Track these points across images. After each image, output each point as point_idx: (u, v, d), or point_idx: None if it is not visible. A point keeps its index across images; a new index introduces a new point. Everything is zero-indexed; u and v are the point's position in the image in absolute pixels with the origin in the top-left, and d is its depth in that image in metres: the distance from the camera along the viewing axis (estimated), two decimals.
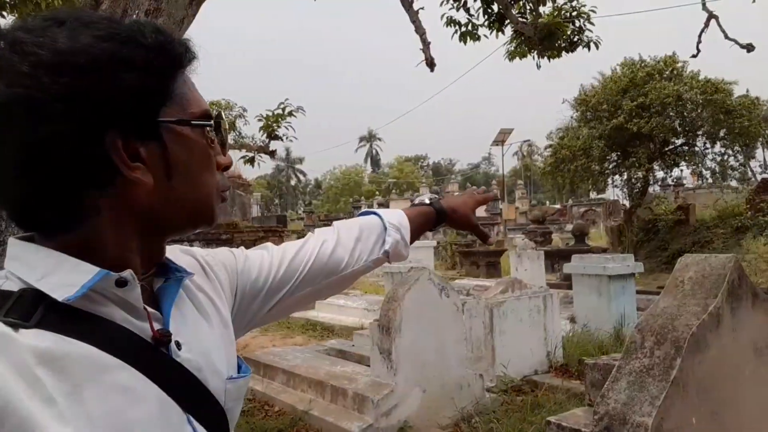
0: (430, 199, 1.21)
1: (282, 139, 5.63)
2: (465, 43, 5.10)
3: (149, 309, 0.67)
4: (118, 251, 0.66)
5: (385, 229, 1.07)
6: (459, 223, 1.19)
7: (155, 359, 0.65)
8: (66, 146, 0.59)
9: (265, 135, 5.71)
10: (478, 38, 5.09)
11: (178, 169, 0.67)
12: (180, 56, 0.68)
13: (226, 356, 0.77)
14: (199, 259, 0.85)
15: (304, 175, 76.28)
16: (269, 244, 1.00)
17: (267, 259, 0.94)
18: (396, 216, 1.10)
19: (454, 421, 4.41)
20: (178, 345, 0.68)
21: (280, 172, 71.58)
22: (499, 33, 5.16)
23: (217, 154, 0.73)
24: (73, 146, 0.59)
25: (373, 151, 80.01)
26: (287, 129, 5.62)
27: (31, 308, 0.59)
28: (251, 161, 5.85)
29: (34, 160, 0.59)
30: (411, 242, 1.12)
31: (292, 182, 73.52)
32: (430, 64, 5.01)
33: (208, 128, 0.70)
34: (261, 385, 5.45)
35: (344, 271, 1.01)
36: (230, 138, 8.82)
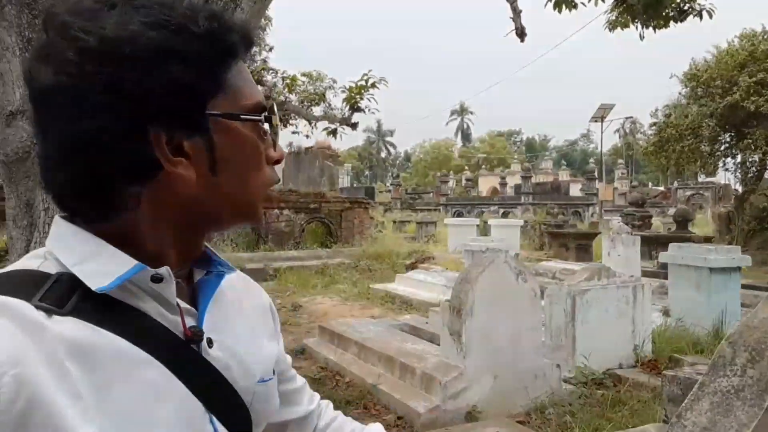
0: None
1: (364, 111, 5.57)
2: (560, 11, 4.74)
3: (183, 305, 0.66)
4: (155, 244, 0.65)
5: None
6: None
7: (184, 356, 0.64)
8: (108, 139, 0.58)
9: (348, 107, 5.67)
10: (575, 6, 4.71)
11: (224, 164, 0.64)
12: (234, 46, 0.64)
13: (264, 359, 0.77)
14: (252, 283, 0.87)
15: (394, 147, 76.61)
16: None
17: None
18: None
19: (526, 410, 4.24)
20: (210, 342, 0.67)
21: (371, 144, 72.31)
22: (599, 0, 4.74)
23: (267, 147, 0.69)
24: (115, 139, 0.58)
25: (464, 125, 78.68)
26: (370, 101, 5.54)
27: (66, 294, 0.58)
28: (333, 133, 5.84)
29: (75, 150, 0.59)
30: None
31: (383, 154, 74.04)
32: (521, 33, 4.72)
33: (259, 122, 0.67)
34: (334, 355, 5.52)
35: None
36: (320, 109, 8.97)
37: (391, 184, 38.21)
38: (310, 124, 7.97)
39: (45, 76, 0.58)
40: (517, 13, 4.64)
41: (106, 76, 0.56)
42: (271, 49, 7.44)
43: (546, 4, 4.84)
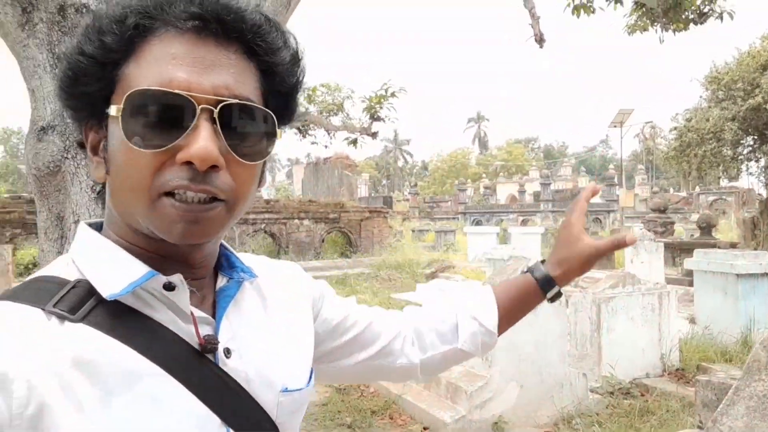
0: (529, 268, 0.96)
1: (384, 121, 5.59)
2: (578, 16, 4.73)
3: (197, 313, 0.64)
4: (135, 245, 0.63)
5: (458, 323, 0.95)
6: (578, 273, 0.94)
7: (197, 367, 0.61)
8: (77, 130, 0.67)
9: (368, 116, 5.69)
10: (593, 11, 4.69)
11: (111, 164, 0.61)
12: (121, 34, 0.58)
13: (291, 366, 0.72)
14: (296, 271, 0.86)
15: (411, 156, 76.61)
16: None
17: (352, 312, 0.92)
18: (479, 301, 0.96)
19: (553, 420, 4.19)
20: (228, 352, 0.64)
21: (388, 153, 72.42)
22: (617, 4, 4.72)
23: (159, 144, 0.57)
24: (78, 133, 0.67)
25: (481, 133, 78.47)
26: (389, 110, 5.56)
27: (81, 301, 0.58)
28: (354, 142, 5.87)
29: None
30: (509, 324, 0.98)
31: (400, 163, 74.11)
32: (540, 40, 4.70)
33: (118, 115, 0.57)
34: None
35: (407, 358, 0.93)
36: (338, 119, 9.05)
37: (408, 193, 38.18)
38: (329, 134, 8.02)
39: None
40: (535, 18, 4.63)
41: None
42: None
43: (564, 9, 4.83)
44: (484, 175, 50.52)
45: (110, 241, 0.64)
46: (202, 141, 0.56)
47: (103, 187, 0.68)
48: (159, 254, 0.63)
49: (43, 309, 0.56)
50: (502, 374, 4.09)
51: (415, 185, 39.17)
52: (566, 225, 0.94)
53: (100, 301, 0.59)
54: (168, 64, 0.57)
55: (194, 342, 0.62)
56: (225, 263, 0.72)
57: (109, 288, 0.59)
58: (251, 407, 0.65)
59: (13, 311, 0.56)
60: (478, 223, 26.79)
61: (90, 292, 0.59)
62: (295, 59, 0.66)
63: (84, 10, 2.11)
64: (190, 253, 0.65)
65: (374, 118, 5.55)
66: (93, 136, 0.65)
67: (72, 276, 0.61)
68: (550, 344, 4.27)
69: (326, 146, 8.05)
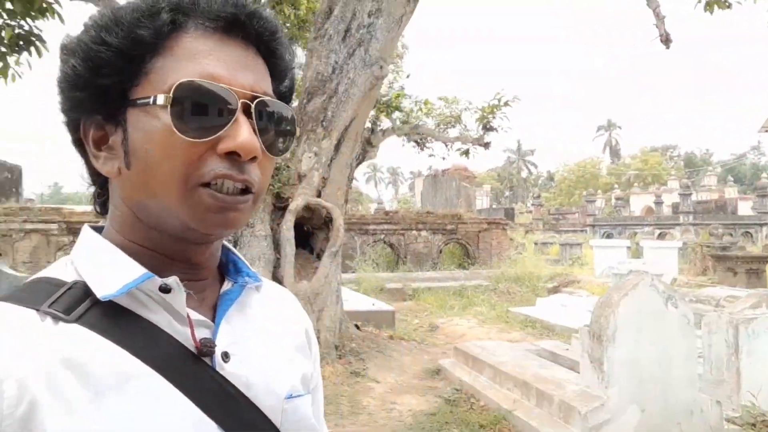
0: None
1: (497, 131, 5.51)
2: (711, 12, 4.35)
3: (194, 316, 0.63)
4: (132, 244, 0.64)
5: None
6: None
7: (191, 370, 0.60)
8: (70, 129, 0.66)
9: (481, 126, 5.65)
10: (729, 6, 4.29)
11: (134, 157, 0.60)
12: (156, 29, 0.60)
13: (293, 374, 0.71)
14: (306, 319, 0.82)
15: (536, 167, 74.24)
16: None
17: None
18: None
19: None
20: (226, 356, 0.63)
21: (510, 164, 70.83)
22: None
23: (205, 135, 0.58)
24: (71, 132, 0.66)
25: (612, 141, 74.11)
26: (502, 120, 5.48)
27: (76, 302, 0.58)
28: (466, 153, 5.85)
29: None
30: None
31: (523, 174, 72.12)
32: (666, 40, 4.40)
33: (168, 104, 0.58)
34: (468, 377, 5.45)
35: None
36: (456, 131, 9.04)
37: (531, 204, 37.00)
38: (445, 146, 8.05)
39: None
40: (660, 18, 4.34)
41: (58, 81, 0.64)
42: (408, 76, 7.64)
43: (695, 6, 4.48)
44: (615, 186, 47.61)
45: (109, 243, 0.64)
46: (246, 133, 0.59)
47: (101, 186, 0.69)
48: (165, 254, 0.64)
49: (37, 310, 0.57)
50: (620, 395, 3.83)
51: (538, 196, 37.85)
52: None
53: (96, 302, 0.59)
54: (205, 60, 0.59)
55: (190, 345, 0.61)
56: (232, 268, 0.73)
57: (104, 289, 0.59)
58: (251, 413, 0.63)
59: (7, 312, 0.57)
60: (608, 236, 25.29)
61: (86, 293, 0.59)
62: (293, 65, 0.71)
63: None
64: (196, 251, 0.66)
65: (487, 128, 5.49)
66: (96, 132, 0.63)
67: (70, 277, 0.61)
68: (676, 366, 3.93)
69: (443, 158, 8.11)
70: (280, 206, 6.08)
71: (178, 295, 0.61)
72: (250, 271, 0.72)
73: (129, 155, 0.60)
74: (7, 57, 5.24)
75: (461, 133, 8.34)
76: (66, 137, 0.67)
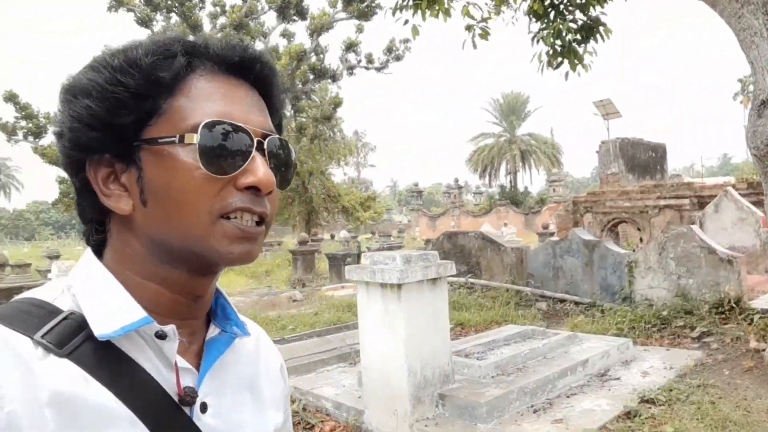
0: None
1: None
2: None
3: (181, 364, 0.64)
4: (138, 281, 0.64)
5: None
6: None
7: (171, 418, 0.62)
8: (70, 171, 0.67)
9: None
10: None
11: (152, 194, 0.62)
12: (175, 71, 0.63)
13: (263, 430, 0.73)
14: (281, 364, 0.84)
15: None
16: None
17: None
18: None
19: None
20: (204, 407, 0.65)
21: None
22: None
23: (228, 170, 0.62)
24: (73, 171, 0.67)
25: None
26: None
27: (70, 335, 0.59)
28: None
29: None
30: None
31: None
32: None
33: (197, 142, 0.60)
34: None
35: None
36: None
37: None
38: None
39: None
40: None
41: (61, 122, 0.64)
42: None
43: None
44: None
45: (113, 277, 0.64)
46: (264, 169, 0.63)
47: (100, 224, 0.68)
48: (171, 289, 0.65)
49: (31, 338, 0.57)
50: None
51: None
52: None
53: (89, 337, 0.59)
54: (222, 101, 0.64)
55: (173, 392, 0.62)
56: (220, 313, 0.72)
57: (102, 327, 0.59)
58: None
59: (5, 337, 0.57)
60: None
61: (80, 326, 0.60)
62: (285, 104, 0.74)
63: None
64: (203, 284, 0.67)
65: None
66: (105, 170, 0.64)
67: (65, 305, 0.62)
68: None
69: None
70: None
71: (172, 343, 0.63)
72: (238, 321, 0.72)
73: (145, 192, 0.62)
74: (576, 46, 5.57)
75: None
76: None
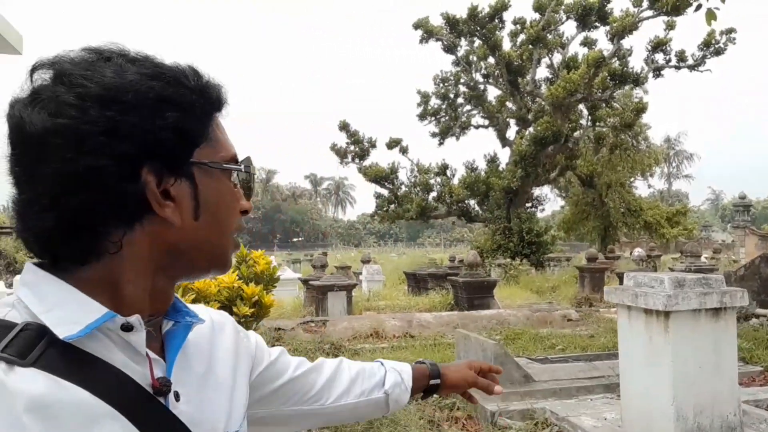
0: (432, 365, 1.13)
1: None
2: None
3: (152, 356, 0.65)
4: (131, 290, 0.65)
5: (386, 372, 1.07)
6: (455, 386, 1.14)
7: (150, 409, 0.63)
8: (102, 179, 0.59)
9: None
10: None
11: (206, 210, 0.68)
12: (218, 100, 0.71)
13: (232, 410, 0.76)
14: (230, 320, 0.88)
15: None
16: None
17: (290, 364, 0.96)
18: (399, 364, 1.11)
19: None
20: (177, 396, 0.66)
21: None
22: None
23: (240, 198, 0.74)
24: (109, 180, 0.59)
25: None
26: None
27: (30, 344, 0.57)
28: None
29: (67, 192, 0.59)
30: (411, 395, 1.09)
31: None
32: None
33: (236, 173, 0.73)
34: None
35: (339, 401, 1.00)
36: None
37: None
38: None
39: (39, 119, 0.59)
40: None
41: (107, 120, 0.58)
42: None
43: None
44: None
45: (63, 282, 0.62)
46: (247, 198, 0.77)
47: (95, 236, 0.64)
48: (160, 295, 0.69)
49: None
50: None
51: None
52: (471, 375, 1.13)
53: (52, 343, 0.58)
54: (227, 136, 0.74)
55: (146, 383, 0.63)
56: (171, 307, 0.74)
57: (66, 329, 0.58)
58: None
59: None
60: None
61: (39, 335, 0.58)
62: None
63: None
64: (177, 286, 0.76)
65: None
66: (156, 180, 0.63)
67: (18, 319, 0.60)
68: None
69: None
70: None
71: (139, 334, 0.63)
72: (189, 311, 0.74)
73: (200, 207, 0.67)
74: None
75: None
76: None
